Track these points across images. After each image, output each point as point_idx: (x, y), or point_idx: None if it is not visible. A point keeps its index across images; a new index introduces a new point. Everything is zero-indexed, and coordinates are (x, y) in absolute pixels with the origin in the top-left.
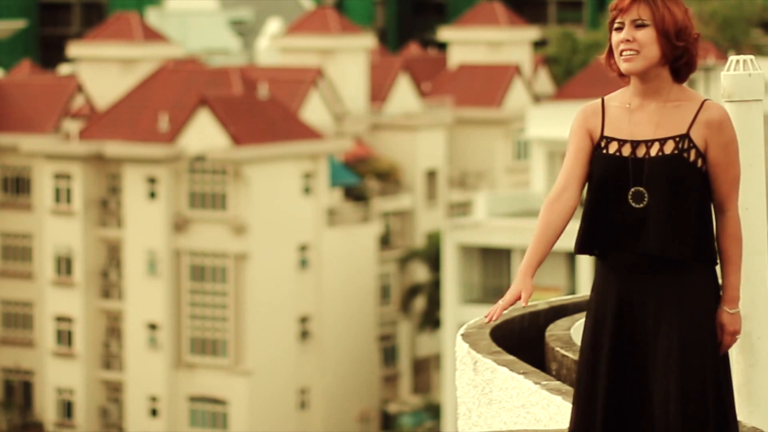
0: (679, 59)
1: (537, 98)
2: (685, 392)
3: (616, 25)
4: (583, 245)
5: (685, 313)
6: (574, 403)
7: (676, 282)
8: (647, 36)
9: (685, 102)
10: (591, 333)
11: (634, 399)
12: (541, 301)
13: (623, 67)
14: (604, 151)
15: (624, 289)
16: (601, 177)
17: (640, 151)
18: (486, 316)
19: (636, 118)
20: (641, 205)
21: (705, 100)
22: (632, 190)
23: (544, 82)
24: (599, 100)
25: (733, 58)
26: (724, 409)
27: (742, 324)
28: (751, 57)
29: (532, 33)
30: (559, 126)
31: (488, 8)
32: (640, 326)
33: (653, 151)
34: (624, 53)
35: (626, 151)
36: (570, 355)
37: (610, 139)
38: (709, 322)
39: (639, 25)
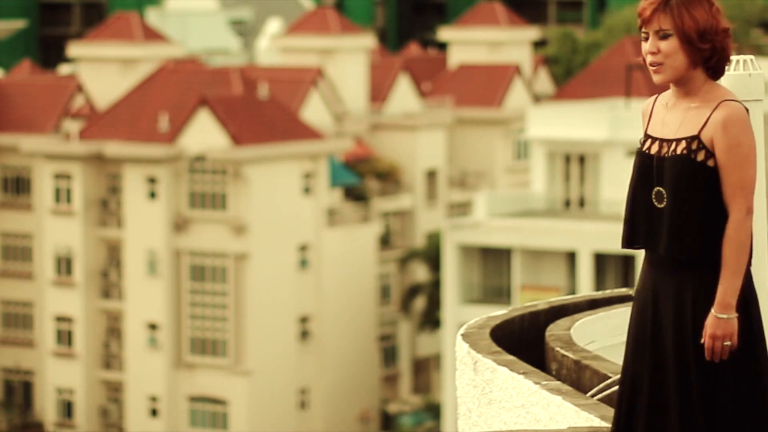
0: (709, 59)
1: (537, 98)
2: (681, 390)
3: (642, 35)
4: (624, 240)
5: (684, 312)
6: (618, 395)
7: (684, 280)
8: (671, 46)
9: (707, 102)
10: (633, 322)
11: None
12: (541, 301)
13: (654, 79)
14: (642, 148)
15: (651, 282)
16: (635, 173)
17: (663, 150)
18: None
19: (668, 117)
20: (662, 205)
21: (723, 101)
22: (655, 189)
23: (544, 82)
24: (653, 98)
25: (733, 58)
26: (747, 410)
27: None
28: (751, 57)
29: (532, 33)
30: (559, 126)
31: (488, 8)
32: (658, 319)
33: (669, 151)
34: (651, 66)
35: (654, 149)
36: (570, 355)
37: (648, 137)
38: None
39: (662, 36)
